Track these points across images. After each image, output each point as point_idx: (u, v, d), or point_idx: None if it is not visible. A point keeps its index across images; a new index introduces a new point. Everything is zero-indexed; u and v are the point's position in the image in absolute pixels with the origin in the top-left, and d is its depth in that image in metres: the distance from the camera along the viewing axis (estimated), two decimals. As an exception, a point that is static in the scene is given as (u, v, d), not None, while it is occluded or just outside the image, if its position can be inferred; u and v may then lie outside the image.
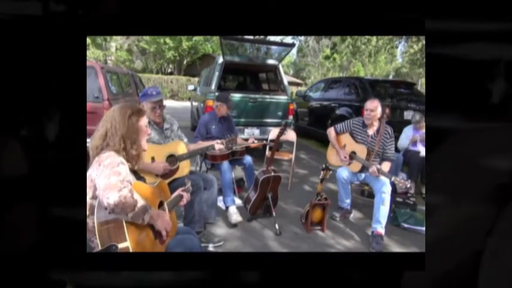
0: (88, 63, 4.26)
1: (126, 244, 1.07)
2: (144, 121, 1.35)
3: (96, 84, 3.86)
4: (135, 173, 1.38)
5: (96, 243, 1.06)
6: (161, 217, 1.24)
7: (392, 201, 2.81)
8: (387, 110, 3.59)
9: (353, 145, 2.76)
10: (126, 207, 1.06)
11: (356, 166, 2.67)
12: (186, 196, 1.56)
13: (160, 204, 1.37)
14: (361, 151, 2.66)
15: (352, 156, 2.70)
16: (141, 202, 1.13)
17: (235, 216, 2.59)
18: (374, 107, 2.64)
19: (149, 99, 2.16)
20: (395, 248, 2.46)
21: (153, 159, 2.08)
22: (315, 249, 2.33)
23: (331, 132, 2.93)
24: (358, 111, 4.92)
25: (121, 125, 1.27)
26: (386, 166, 2.59)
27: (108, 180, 1.09)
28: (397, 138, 3.22)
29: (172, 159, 2.17)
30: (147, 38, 19.95)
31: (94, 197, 1.14)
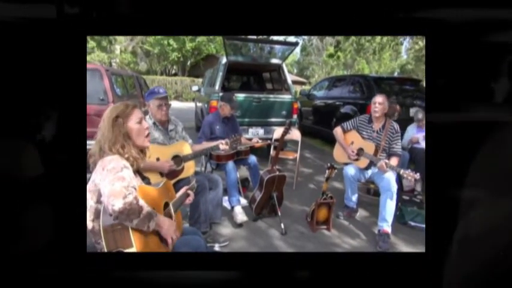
0: (93, 66, 4.31)
1: (133, 249, 1.07)
2: (134, 119, 1.28)
3: (101, 87, 3.90)
4: (140, 173, 1.36)
5: (103, 245, 1.07)
6: (167, 224, 1.22)
7: (399, 199, 2.78)
8: (398, 108, 3.58)
9: (360, 142, 2.76)
10: (131, 214, 1.05)
11: (363, 162, 2.67)
12: (191, 194, 1.55)
13: (166, 205, 1.36)
14: (369, 148, 2.66)
15: (360, 152, 2.70)
16: (146, 209, 1.11)
17: (240, 216, 2.59)
18: (382, 100, 2.68)
19: (155, 96, 2.19)
20: (402, 246, 2.44)
21: (158, 160, 2.09)
22: (321, 249, 2.32)
23: (337, 130, 2.94)
24: (363, 109, 4.89)
25: (106, 131, 1.23)
26: (394, 161, 2.58)
27: (112, 186, 1.07)
28: (402, 136, 3.19)
29: (177, 159, 2.18)
30: (150, 40, 20.04)
31: (99, 202, 1.13)
